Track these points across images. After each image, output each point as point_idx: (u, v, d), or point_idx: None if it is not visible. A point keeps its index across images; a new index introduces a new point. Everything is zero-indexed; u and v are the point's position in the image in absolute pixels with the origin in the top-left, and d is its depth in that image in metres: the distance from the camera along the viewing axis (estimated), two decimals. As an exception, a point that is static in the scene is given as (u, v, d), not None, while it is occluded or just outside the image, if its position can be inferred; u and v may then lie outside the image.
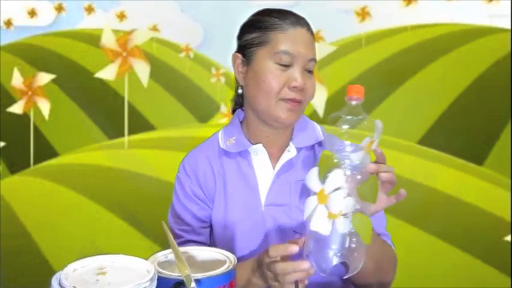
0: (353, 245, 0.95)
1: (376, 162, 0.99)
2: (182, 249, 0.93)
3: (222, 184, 1.22)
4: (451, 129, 4.21)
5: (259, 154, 1.21)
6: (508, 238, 3.34)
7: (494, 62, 4.32)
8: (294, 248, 0.97)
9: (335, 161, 0.96)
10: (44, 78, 4.64)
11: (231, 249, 1.19)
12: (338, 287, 1.18)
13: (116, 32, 4.49)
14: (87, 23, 4.86)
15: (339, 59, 4.55)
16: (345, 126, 0.95)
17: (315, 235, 0.96)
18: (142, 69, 4.39)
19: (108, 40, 4.37)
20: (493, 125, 4.19)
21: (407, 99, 4.39)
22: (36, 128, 4.68)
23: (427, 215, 3.53)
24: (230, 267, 0.88)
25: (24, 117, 4.66)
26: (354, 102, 0.98)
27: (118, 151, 4.56)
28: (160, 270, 0.85)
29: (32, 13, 4.93)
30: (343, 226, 0.94)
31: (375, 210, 1.01)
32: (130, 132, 4.56)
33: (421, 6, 4.41)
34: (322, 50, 4.19)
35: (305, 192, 1.01)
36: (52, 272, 0.80)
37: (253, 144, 1.21)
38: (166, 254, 0.92)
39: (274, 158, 1.22)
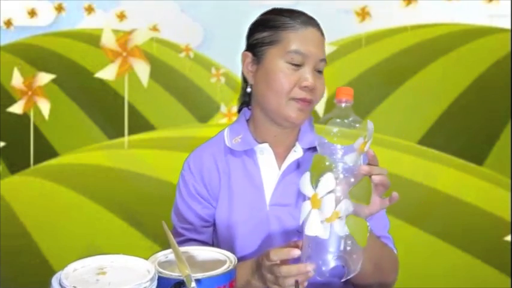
0: (348, 248, 0.95)
1: (368, 164, 0.98)
2: (182, 249, 0.93)
3: (226, 182, 1.22)
4: (451, 129, 4.20)
5: (265, 153, 1.21)
6: (508, 238, 3.34)
7: (494, 62, 4.31)
8: (296, 252, 0.97)
9: (327, 163, 0.95)
10: (44, 78, 4.64)
11: (235, 248, 1.19)
12: (338, 287, 1.18)
13: (116, 32, 4.49)
14: (87, 23, 4.85)
15: (339, 59, 4.54)
16: (335, 129, 0.95)
17: (311, 239, 0.96)
18: (142, 69, 4.39)
19: (108, 40, 4.37)
20: (493, 125, 4.18)
21: (407, 99, 4.38)
22: (36, 128, 4.68)
23: (427, 215, 3.53)
24: (230, 267, 0.88)
25: (24, 117, 4.66)
26: (343, 105, 0.98)
27: (118, 151, 4.56)
28: (161, 270, 0.85)
29: (32, 13, 4.92)
30: (338, 229, 0.94)
31: (369, 212, 1.01)
32: (130, 132, 4.55)
33: (421, 6, 4.41)
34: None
35: (302, 196, 1.01)
36: (52, 272, 0.80)
37: (259, 143, 1.21)
38: (167, 254, 0.92)
39: (280, 157, 1.21)
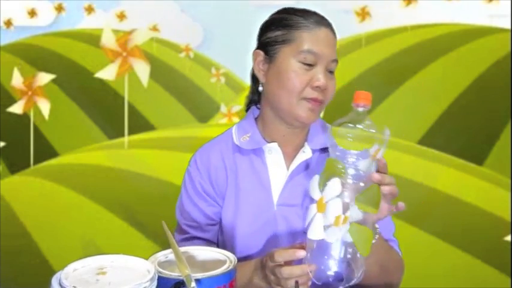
0: (349, 256, 0.94)
1: (378, 171, 0.98)
2: (182, 249, 0.93)
3: (233, 181, 1.21)
4: (451, 129, 4.20)
5: (273, 153, 1.20)
6: (508, 238, 3.34)
7: (494, 62, 4.31)
8: (301, 253, 0.96)
9: (339, 166, 0.95)
10: (44, 78, 4.64)
11: (240, 248, 1.18)
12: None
13: (116, 32, 4.49)
14: (87, 23, 4.85)
15: (339, 59, 4.54)
16: (350, 133, 0.95)
17: (313, 243, 0.95)
18: (142, 69, 4.39)
19: (108, 40, 4.37)
20: (493, 125, 4.18)
21: (407, 99, 4.38)
22: (36, 128, 4.68)
23: (427, 215, 3.53)
24: (230, 267, 0.88)
25: (24, 117, 4.66)
26: (360, 109, 0.97)
27: (118, 151, 4.56)
28: (161, 270, 0.85)
29: (32, 13, 4.92)
30: (342, 235, 0.93)
31: (377, 218, 1.00)
32: (130, 132, 4.55)
33: (421, 6, 4.41)
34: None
35: (308, 197, 1.01)
36: (52, 272, 0.80)
37: (268, 142, 1.21)
38: (167, 254, 0.92)
39: (288, 157, 1.20)
